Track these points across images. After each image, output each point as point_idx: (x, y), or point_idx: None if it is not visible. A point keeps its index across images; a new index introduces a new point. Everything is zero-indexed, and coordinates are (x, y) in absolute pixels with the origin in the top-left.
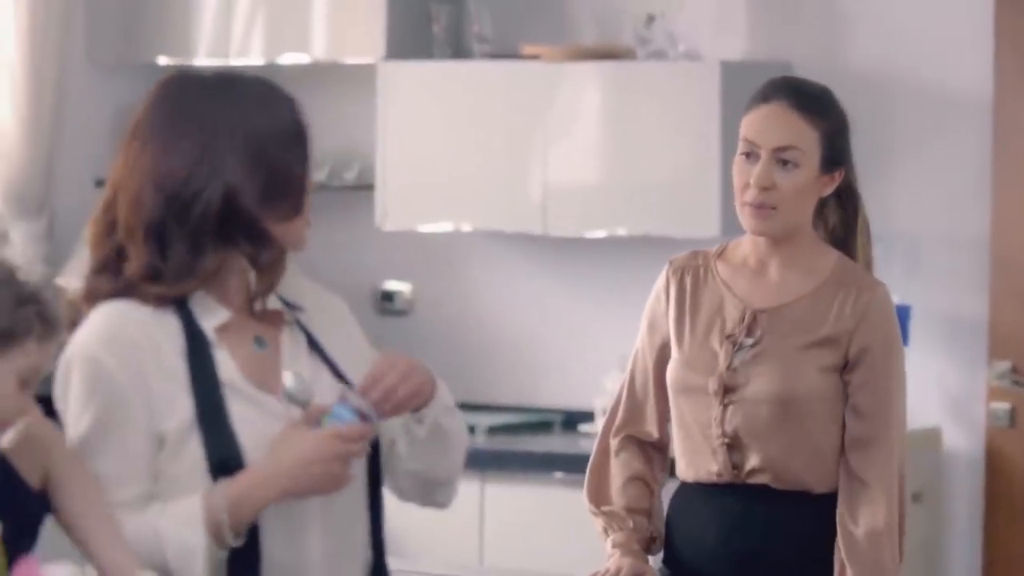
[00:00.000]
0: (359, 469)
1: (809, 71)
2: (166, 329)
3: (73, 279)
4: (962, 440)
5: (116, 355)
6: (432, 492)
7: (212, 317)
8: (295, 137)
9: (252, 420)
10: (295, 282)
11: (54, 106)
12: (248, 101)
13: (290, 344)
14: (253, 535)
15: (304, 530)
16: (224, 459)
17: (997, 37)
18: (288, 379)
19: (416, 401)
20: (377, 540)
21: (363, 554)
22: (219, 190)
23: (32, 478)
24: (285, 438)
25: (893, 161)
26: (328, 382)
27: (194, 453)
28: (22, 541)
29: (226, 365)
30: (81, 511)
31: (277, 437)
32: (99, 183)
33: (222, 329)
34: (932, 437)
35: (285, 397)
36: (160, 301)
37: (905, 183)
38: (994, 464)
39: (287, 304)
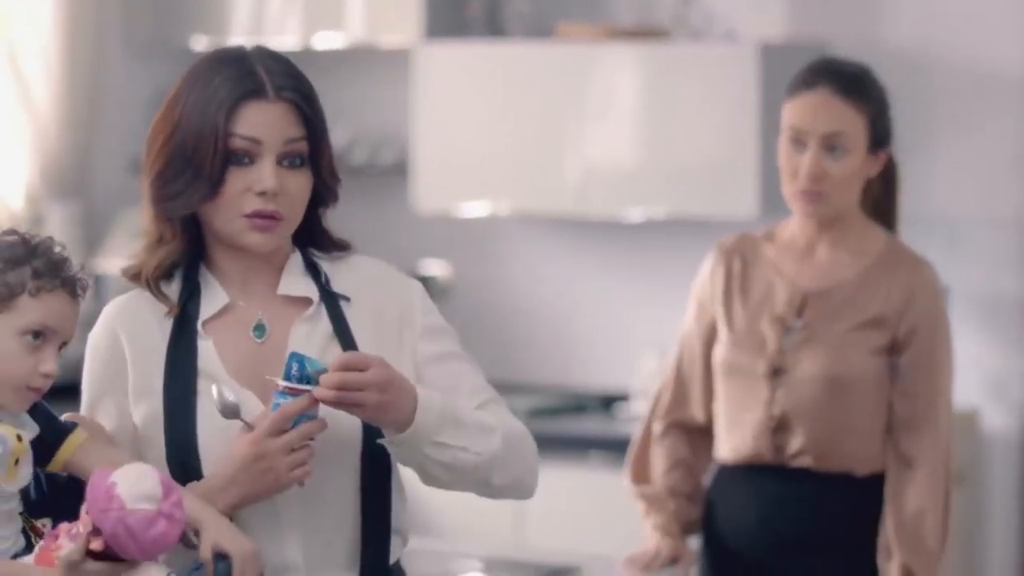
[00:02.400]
0: (347, 472)
1: (846, 50)
2: (158, 317)
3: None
4: (1000, 422)
5: (105, 345)
6: (493, 495)
7: (211, 304)
8: (219, 109)
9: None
10: (356, 268)
11: (90, 89)
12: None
13: (303, 332)
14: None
15: (282, 531)
16: (180, 450)
17: None
18: (214, 392)
19: (362, 412)
20: (374, 544)
21: (353, 557)
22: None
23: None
24: (232, 445)
25: (931, 141)
26: None
27: (159, 442)
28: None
29: (208, 355)
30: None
31: (230, 445)
32: (134, 165)
33: (217, 316)
34: (970, 419)
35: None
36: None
37: (943, 163)
38: None
39: (328, 292)
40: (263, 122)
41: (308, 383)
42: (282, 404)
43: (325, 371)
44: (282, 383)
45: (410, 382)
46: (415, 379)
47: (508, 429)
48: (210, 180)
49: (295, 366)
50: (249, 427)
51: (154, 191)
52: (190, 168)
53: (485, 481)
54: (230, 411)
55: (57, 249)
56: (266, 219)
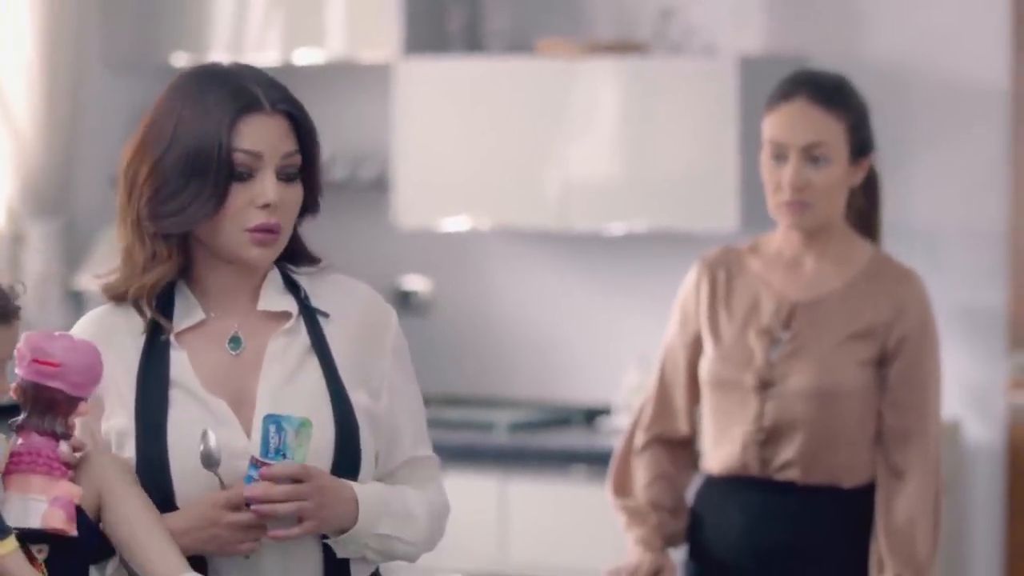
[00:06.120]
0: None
1: (826, 64)
2: (134, 331)
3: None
4: (982, 433)
5: None
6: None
7: (187, 317)
8: (219, 123)
9: (190, 423)
10: (336, 286)
11: (70, 106)
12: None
13: (281, 344)
14: (203, 561)
15: (257, 557)
16: (151, 459)
17: (1015, 27)
18: (200, 437)
19: (303, 515)
20: (335, 567)
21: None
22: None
23: (87, 507)
24: (202, 497)
25: (910, 154)
26: (311, 386)
27: (130, 453)
28: (71, 572)
29: (180, 366)
30: (127, 515)
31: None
32: (115, 182)
33: (192, 329)
34: (951, 431)
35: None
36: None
37: (922, 175)
38: (1015, 457)
39: (308, 308)
40: (263, 135)
41: (285, 456)
42: (250, 482)
43: (304, 424)
44: (256, 457)
45: (348, 486)
46: (375, 401)
47: (432, 509)
48: (214, 196)
49: (272, 429)
50: (223, 485)
51: (151, 210)
52: (191, 185)
53: (406, 557)
54: (211, 463)
55: None
56: (267, 232)
